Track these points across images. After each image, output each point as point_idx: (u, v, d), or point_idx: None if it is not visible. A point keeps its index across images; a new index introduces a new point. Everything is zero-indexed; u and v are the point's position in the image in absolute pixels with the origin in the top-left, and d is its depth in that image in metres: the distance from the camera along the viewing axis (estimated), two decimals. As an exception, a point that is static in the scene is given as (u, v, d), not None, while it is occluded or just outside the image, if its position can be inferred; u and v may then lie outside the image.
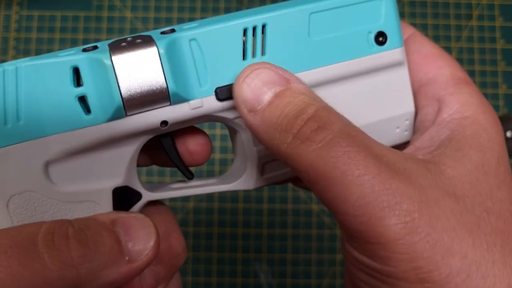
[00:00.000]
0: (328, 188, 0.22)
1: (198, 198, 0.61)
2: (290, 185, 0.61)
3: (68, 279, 0.21)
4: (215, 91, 0.26)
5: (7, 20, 0.63)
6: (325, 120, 0.23)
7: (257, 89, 0.24)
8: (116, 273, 0.23)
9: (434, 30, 0.64)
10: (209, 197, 0.61)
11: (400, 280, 0.22)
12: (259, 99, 0.24)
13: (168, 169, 0.61)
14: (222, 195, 0.61)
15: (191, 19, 0.64)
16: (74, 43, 0.63)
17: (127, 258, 0.23)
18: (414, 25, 0.64)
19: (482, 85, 0.63)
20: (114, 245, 0.23)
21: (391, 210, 0.21)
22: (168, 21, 0.64)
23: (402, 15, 0.64)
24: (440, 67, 0.28)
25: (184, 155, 0.29)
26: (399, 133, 0.30)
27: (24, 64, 0.24)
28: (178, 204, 0.61)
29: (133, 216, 0.25)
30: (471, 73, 0.63)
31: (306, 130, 0.23)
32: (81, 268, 0.21)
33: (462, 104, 0.26)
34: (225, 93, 0.26)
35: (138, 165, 0.30)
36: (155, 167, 0.62)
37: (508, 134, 0.59)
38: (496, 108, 0.63)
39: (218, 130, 0.62)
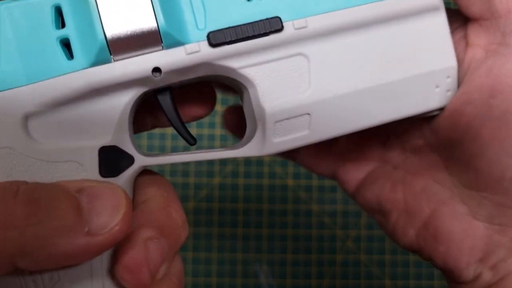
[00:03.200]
0: None
1: (197, 198, 0.61)
2: (290, 185, 0.61)
3: (10, 241, 0.19)
4: (207, 36, 0.23)
5: (6, 20, 0.63)
6: None
7: None
8: (71, 244, 0.20)
9: (434, 30, 0.64)
10: (209, 197, 0.61)
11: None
12: None
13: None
14: (222, 195, 0.60)
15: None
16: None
17: (86, 229, 0.20)
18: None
19: (482, 85, 0.63)
20: (71, 211, 0.20)
21: None
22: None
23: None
24: None
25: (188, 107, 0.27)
26: (440, 93, 0.26)
27: (4, 5, 0.22)
28: (177, 205, 0.61)
29: (104, 185, 0.22)
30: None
31: None
32: (26, 230, 0.19)
33: None
34: (220, 37, 0.23)
35: (140, 129, 0.28)
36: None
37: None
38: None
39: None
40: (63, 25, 0.23)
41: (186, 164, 0.60)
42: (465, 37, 0.27)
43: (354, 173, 0.33)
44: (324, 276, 0.60)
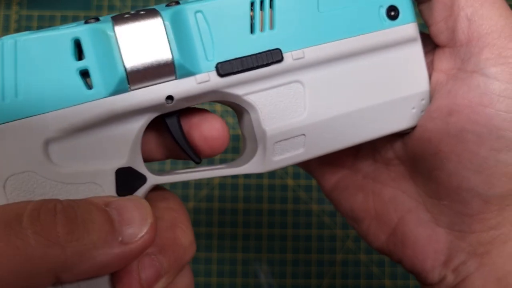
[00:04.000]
0: None
1: (197, 198, 0.61)
2: (289, 184, 0.61)
3: (52, 258, 0.20)
4: (216, 67, 0.25)
5: (6, 20, 0.63)
6: None
7: None
8: (108, 254, 0.21)
9: (434, 30, 0.64)
10: (209, 197, 0.61)
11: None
12: None
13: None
14: (222, 195, 0.61)
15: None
16: (74, 43, 0.63)
17: (120, 239, 0.22)
18: (414, 25, 0.64)
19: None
20: (105, 224, 0.22)
21: None
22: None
23: (402, 15, 0.64)
24: None
25: (199, 142, 0.28)
26: (416, 114, 0.29)
27: (24, 37, 0.23)
28: (178, 204, 0.61)
29: (128, 198, 0.24)
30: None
31: None
32: (68, 246, 0.20)
33: None
34: (227, 68, 0.25)
35: (151, 159, 0.29)
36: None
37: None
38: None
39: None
40: (80, 56, 0.24)
41: (186, 164, 0.60)
42: (432, 62, 0.29)
43: (328, 177, 0.35)
44: (324, 276, 0.60)
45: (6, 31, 0.63)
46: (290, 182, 0.60)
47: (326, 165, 0.35)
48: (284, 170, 0.61)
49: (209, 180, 0.61)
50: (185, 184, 0.60)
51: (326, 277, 0.60)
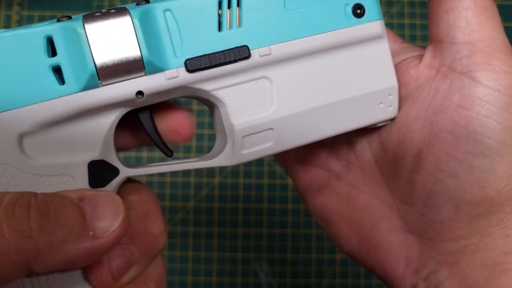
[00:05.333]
0: None
1: (198, 198, 0.61)
2: (289, 184, 0.61)
3: (25, 250, 0.21)
4: (185, 63, 0.26)
5: (7, 21, 0.63)
6: None
7: None
8: (78, 248, 0.22)
9: (434, 30, 0.64)
10: (209, 196, 0.61)
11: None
12: None
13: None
14: (222, 194, 0.61)
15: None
16: (74, 43, 0.63)
17: (91, 233, 0.22)
18: (413, 25, 0.64)
19: (482, 85, 0.63)
20: (77, 219, 0.22)
21: None
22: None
23: (402, 15, 0.65)
24: None
25: (167, 131, 0.29)
26: (383, 109, 0.30)
27: None
28: (178, 204, 0.61)
29: (102, 193, 0.24)
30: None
31: None
32: (40, 239, 0.21)
33: None
34: (195, 64, 0.26)
35: (120, 149, 0.30)
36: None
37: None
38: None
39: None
40: (53, 53, 0.24)
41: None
42: (422, 57, 0.30)
43: (301, 176, 0.35)
44: (323, 275, 0.60)
45: (7, 31, 0.63)
46: (290, 181, 0.61)
47: (299, 163, 0.35)
48: (284, 170, 0.61)
49: (210, 180, 0.61)
50: (186, 183, 0.61)
51: (326, 276, 0.60)
